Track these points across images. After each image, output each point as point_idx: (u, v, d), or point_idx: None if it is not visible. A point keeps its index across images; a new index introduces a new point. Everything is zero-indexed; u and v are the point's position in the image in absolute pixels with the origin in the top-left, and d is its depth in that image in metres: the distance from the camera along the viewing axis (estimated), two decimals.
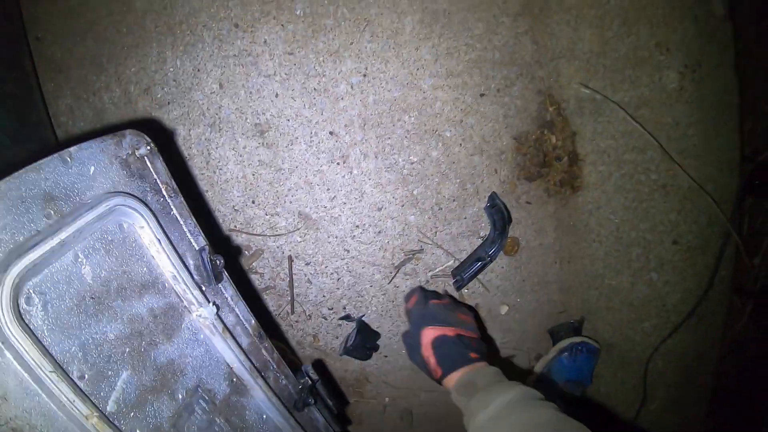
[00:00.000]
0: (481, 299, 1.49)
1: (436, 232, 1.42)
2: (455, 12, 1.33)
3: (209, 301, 0.84)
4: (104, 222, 0.70)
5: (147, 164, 0.78)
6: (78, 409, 0.61)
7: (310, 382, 1.11)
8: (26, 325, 0.58)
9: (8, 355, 0.56)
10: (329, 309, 1.48)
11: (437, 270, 1.44)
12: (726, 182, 1.43)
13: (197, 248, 0.84)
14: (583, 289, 1.50)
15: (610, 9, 1.32)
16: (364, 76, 1.34)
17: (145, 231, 0.75)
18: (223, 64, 1.34)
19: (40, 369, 0.58)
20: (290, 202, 1.39)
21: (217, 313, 0.85)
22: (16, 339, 0.56)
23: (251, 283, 1.46)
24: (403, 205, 1.39)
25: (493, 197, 1.37)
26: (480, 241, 1.43)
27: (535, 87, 1.38)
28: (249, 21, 1.32)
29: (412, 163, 1.37)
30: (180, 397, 0.80)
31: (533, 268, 1.48)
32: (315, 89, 1.34)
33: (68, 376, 0.62)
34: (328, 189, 1.38)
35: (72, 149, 0.67)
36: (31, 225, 0.60)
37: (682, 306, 1.49)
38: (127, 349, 0.72)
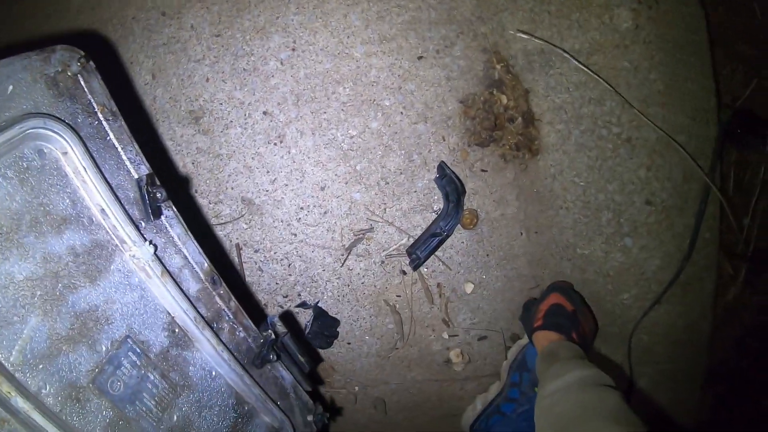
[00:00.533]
0: (442, 278, 1.40)
1: (385, 209, 1.34)
2: None
3: (146, 240, 0.75)
4: (19, 147, 0.63)
5: (80, 83, 0.70)
6: None
7: (273, 336, 1.00)
8: None
9: None
10: (284, 297, 1.41)
11: (391, 249, 1.37)
12: (701, 132, 1.31)
13: (135, 178, 0.76)
14: (554, 260, 1.41)
15: None
16: (293, 50, 1.29)
17: (69, 158, 0.67)
18: (153, 54, 1.32)
19: None
20: (232, 188, 1.34)
21: (155, 253, 0.76)
22: None
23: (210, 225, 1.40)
24: (347, 183, 1.33)
25: (442, 167, 1.30)
26: (434, 216, 1.35)
27: (479, 45, 1.29)
28: (175, 7, 1.31)
29: (351, 137, 1.31)
30: (103, 348, 0.71)
31: (497, 241, 1.39)
32: (245, 69, 1.30)
33: None
34: (268, 171, 1.33)
35: None
36: None
37: (663, 273, 1.38)
38: (39, 293, 0.65)
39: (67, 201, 0.68)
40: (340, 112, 1.29)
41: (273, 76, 1.29)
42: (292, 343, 1.06)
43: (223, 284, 0.90)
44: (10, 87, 0.62)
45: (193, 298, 0.83)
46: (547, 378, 1.02)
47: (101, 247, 0.71)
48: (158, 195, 0.76)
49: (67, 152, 0.66)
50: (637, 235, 1.35)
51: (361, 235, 1.36)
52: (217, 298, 0.88)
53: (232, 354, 0.89)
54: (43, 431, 0.62)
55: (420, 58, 1.27)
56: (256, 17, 1.27)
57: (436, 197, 1.35)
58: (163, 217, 0.80)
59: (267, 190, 1.34)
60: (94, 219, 0.71)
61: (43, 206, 0.65)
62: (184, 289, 0.81)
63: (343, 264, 1.37)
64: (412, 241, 1.36)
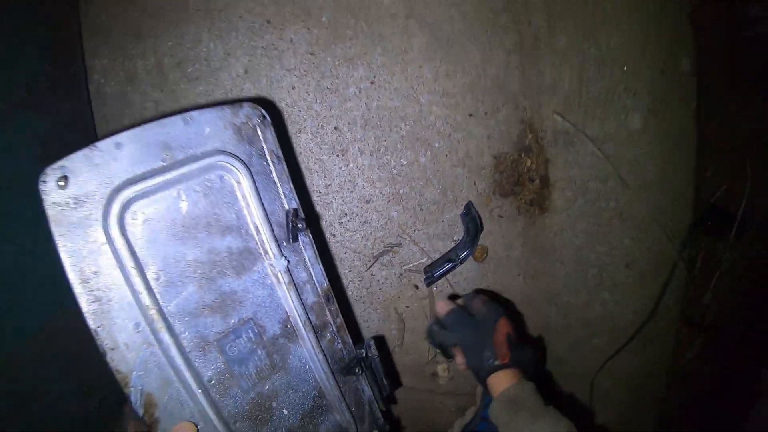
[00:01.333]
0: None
1: (414, 230, 1.61)
2: (458, 40, 1.56)
3: (283, 255, 0.98)
4: (208, 172, 0.89)
5: (258, 133, 0.95)
6: (143, 300, 0.83)
7: (363, 354, 1.17)
8: (125, 232, 0.82)
9: (108, 248, 0.80)
10: None
11: (411, 265, 1.62)
12: (679, 217, 1.62)
13: (285, 209, 0.99)
14: (542, 303, 1.69)
15: (590, 55, 1.54)
16: (372, 83, 1.54)
17: (241, 186, 0.92)
18: (251, 53, 1.53)
19: (127, 263, 0.81)
20: None
21: (287, 267, 0.98)
22: (115, 239, 0.80)
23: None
24: (388, 201, 1.59)
25: (469, 206, 1.57)
26: (453, 245, 1.61)
27: (519, 115, 1.59)
28: (280, 20, 1.52)
29: (402, 165, 1.57)
30: (232, 321, 0.95)
31: (498, 277, 1.66)
32: (327, 88, 1.54)
33: (144, 274, 0.83)
34: (325, 177, 1.57)
35: (194, 113, 0.87)
36: (148, 164, 0.83)
37: (631, 327, 1.67)
38: (199, 271, 0.90)
39: (233, 215, 0.93)
40: (397, 142, 1.56)
41: (350, 99, 1.54)
42: (379, 366, 1.22)
43: (335, 304, 1.09)
44: (207, 129, 0.89)
45: (308, 306, 1.03)
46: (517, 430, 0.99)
47: (250, 252, 0.95)
48: (299, 225, 0.99)
49: (240, 182, 0.92)
50: (615, 292, 1.64)
51: (389, 248, 1.62)
52: (327, 313, 1.08)
53: (326, 358, 1.07)
54: (173, 360, 0.87)
55: (471, 115, 1.56)
56: (348, 48, 1.52)
57: (458, 229, 1.62)
58: (300, 242, 1.02)
59: (320, 192, 1.58)
60: (249, 232, 0.95)
61: (216, 215, 0.91)
62: (303, 298, 1.02)
63: (368, 269, 1.62)
64: (430, 261, 1.61)
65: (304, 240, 1.02)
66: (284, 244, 0.99)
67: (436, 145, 1.57)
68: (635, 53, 1.52)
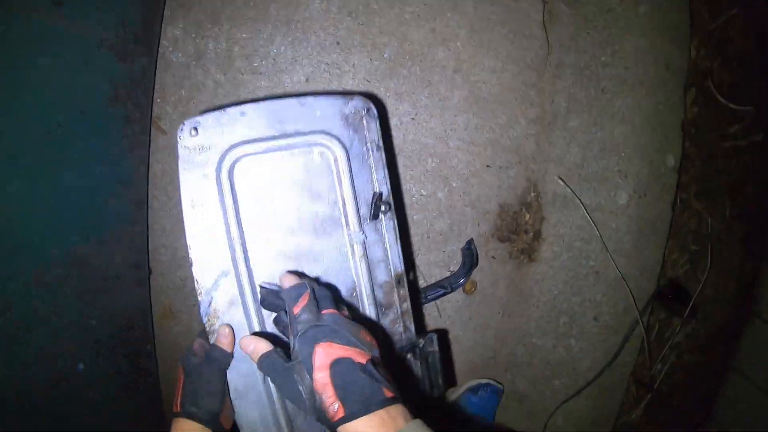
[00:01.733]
0: (432, 322, 1.88)
1: (418, 255, 1.84)
2: (492, 101, 1.83)
3: (362, 230, 1.06)
4: (311, 147, 1.03)
5: (363, 123, 1.06)
6: (232, 234, 0.98)
7: (421, 344, 1.16)
8: (231, 177, 0.98)
9: (215, 188, 0.97)
10: None
11: None
12: (644, 286, 1.89)
13: (373, 191, 1.07)
14: (513, 342, 1.92)
15: (596, 138, 1.84)
16: (413, 119, 1.78)
17: (337, 164, 1.04)
18: (316, 65, 1.72)
19: (227, 202, 0.98)
20: None
21: (364, 241, 1.06)
22: (222, 183, 0.97)
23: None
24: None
25: (470, 242, 1.82)
26: (448, 274, 1.85)
27: (526, 175, 1.86)
28: (348, 45, 1.73)
29: (421, 195, 1.81)
30: (300, 272, 1.03)
31: (481, 311, 1.89)
32: None
33: (238, 214, 0.98)
34: None
35: (309, 98, 1.01)
36: (262, 131, 0.99)
37: (589, 374, 1.92)
38: (284, 224, 1.02)
39: (325, 187, 1.05)
40: (422, 175, 1.80)
41: (391, 128, 1.78)
42: (437, 362, 1.19)
43: (406, 289, 1.12)
44: (318, 113, 1.03)
45: (377, 283, 1.09)
46: None
47: (333, 220, 1.06)
48: (382, 208, 1.07)
49: (337, 160, 1.05)
50: (580, 339, 1.90)
51: None
52: (395, 295, 1.11)
53: (385, 333, 1.11)
54: (243, 288, 0.99)
55: (488, 166, 1.83)
56: (399, 85, 1.76)
57: (455, 261, 1.85)
58: (383, 223, 1.08)
59: None
60: (337, 203, 1.06)
61: (309, 183, 1.04)
62: (374, 274, 1.08)
63: None
64: (425, 285, 1.84)
65: (388, 224, 1.09)
66: (367, 222, 1.07)
67: (454, 185, 1.82)
68: (632, 143, 1.82)
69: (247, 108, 0.98)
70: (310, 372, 0.77)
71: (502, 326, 1.92)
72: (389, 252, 1.10)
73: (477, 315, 1.90)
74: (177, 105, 1.71)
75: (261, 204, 1.01)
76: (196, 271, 0.96)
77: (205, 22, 1.67)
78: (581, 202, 1.82)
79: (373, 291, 1.08)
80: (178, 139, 0.95)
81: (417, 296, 1.72)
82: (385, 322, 1.12)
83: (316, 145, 1.04)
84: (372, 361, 0.78)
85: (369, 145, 1.07)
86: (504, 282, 1.88)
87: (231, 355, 0.96)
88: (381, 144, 1.08)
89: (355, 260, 1.07)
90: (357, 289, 1.09)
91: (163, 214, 1.73)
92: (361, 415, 0.71)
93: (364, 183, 1.07)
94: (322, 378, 0.75)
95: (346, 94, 1.06)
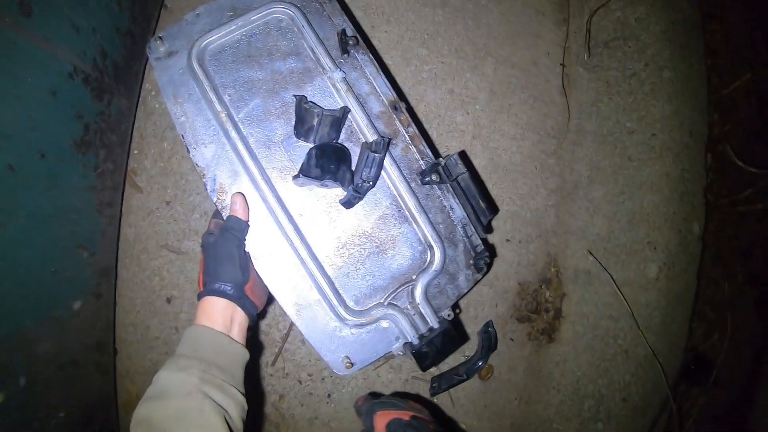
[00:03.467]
0: (445, 411, 1.58)
1: None
2: (511, 171, 1.56)
3: (338, 68, 1.02)
4: (266, 17, 1.03)
5: None
6: (217, 108, 0.96)
7: (443, 161, 1.02)
8: (203, 64, 0.99)
9: (190, 77, 0.99)
10: (308, 375, 1.48)
11: (419, 372, 1.53)
12: (672, 362, 1.63)
13: (336, 32, 1.05)
14: (531, 430, 1.63)
15: (623, 208, 1.57)
16: None
17: (295, 22, 1.04)
18: None
19: (205, 84, 0.97)
20: None
21: (344, 78, 1.02)
22: (197, 71, 0.97)
23: None
24: None
25: (488, 324, 1.51)
26: (463, 360, 1.53)
27: (547, 250, 1.60)
28: None
29: None
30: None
31: (497, 399, 1.60)
32: None
33: (217, 91, 0.98)
34: None
35: None
36: (218, 20, 1.02)
37: None
38: (264, 87, 1.01)
39: (292, 45, 1.04)
40: None
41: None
42: (471, 184, 1.02)
43: (405, 113, 1.05)
44: None
45: (373, 115, 1.03)
46: None
47: (309, 71, 1.03)
48: (350, 42, 1.02)
49: (293, 19, 1.03)
50: (608, 424, 1.63)
51: (403, 351, 1.53)
52: (397, 122, 1.04)
53: (398, 165, 1.01)
54: (241, 156, 0.95)
55: (507, 240, 1.55)
56: None
57: (471, 346, 1.56)
58: (359, 59, 1.05)
59: None
60: (307, 55, 1.04)
61: (276, 46, 1.03)
62: (367, 107, 1.03)
63: (376, 368, 1.52)
64: (438, 372, 1.53)
65: (363, 58, 1.05)
66: (341, 61, 1.04)
67: None
68: (662, 213, 1.55)
69: (201, 8, 1.04)
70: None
71: (519, 414, 1.63)
72: (374, 83, 1.05)
73: (493, 404, 1.61)
74: (157, 159, 1.44)
75: (236, 77, 1.01)
76: (194, 156, 0.97)
77: None
78: (611, 277, 1.51)
79: (372, 123, 1.01)
80: (149, 54, 1.01)
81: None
82: (396, 152, 1.03)
83: (272, 14, 1.04)
84: (414, 417, 0.90)
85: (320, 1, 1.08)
86: (522, 366, 1.62)
87: (247, 223, 0.93)
88: None
89: (343, 97, 1.02)
90: (355, 126, 1.03)
91: (133, 287, 1.42)
92: None
93: (327, 31, 1.06)
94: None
95: None
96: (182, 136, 0.97)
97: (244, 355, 0.87)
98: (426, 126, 1.53)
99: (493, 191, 1.54)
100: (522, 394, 1.60)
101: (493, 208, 1.42)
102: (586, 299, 1.60)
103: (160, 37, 1.00)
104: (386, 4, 1.58)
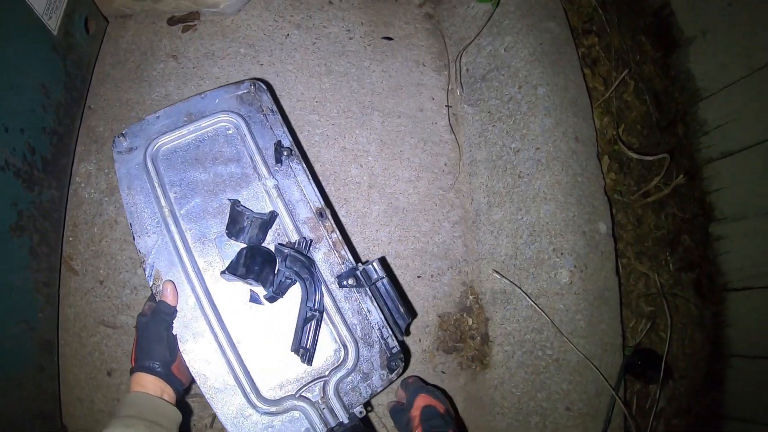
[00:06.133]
0: None
1: None
2: (411, 211, 1.57)
3: (272, 176, 1.11)
4: (215, 125, 1.15)
5: (255, 96, 1.19)
6: (162, 204, 1.06)
7: (361, 267, 1.06)
8: (156, 162, 1.11)
9: (143, 172, 1.09)
10: None
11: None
12: (610, 360, 1.56)
13: (273, 142, 1.15)
14: None
15: (523, 224, 1.55)
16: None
17: (240, 131, 1.15)
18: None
19: (155, 182, 1.08)
20: None
21: (276, 185, 1.10)
22: (149, 167, 1.09)
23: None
24: None
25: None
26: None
27: (461, 279, 1.57)
28: None
29: None
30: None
31: None
32: None
33: (165, 188, 1.09)
34: None
35: (208, 92, 1.18)
36: (175, 123, 1.14)
37: None
38: (205, 188, 1.11)
39: (234, 151, 1.15)
40: None
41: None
42: (389, 288, 1.07)
43: (330, 220, 1.11)
44: (217, 100, 1.18)
45: (300, 221, 1.10)
46: None
47: (246, 176, 1.13)
48: (284, 152, 1.12)
49: (239, 128, 1.15)
50: None
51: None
52: (322, 228, 1.10)
53: (317, 268, 1.07)
54: (178, 249, 1.03)
55: (419, 277, 1.54)
56: None
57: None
58: (292, 167, 1.13)
59: None
60: (246, 162, 1.14)
61: (221, 152, 1.14)
62: (294, 214, 1.10)
63: None
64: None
65: (296, 167, 1.13)
66: (276, 169, 1.13)
67: None
68: (561, 219, 1.51)
69: (161, 112, 1.15)
70: (410, 409, 1.09)
71: None
72: (304, 191, 1.12)
73: None
74: (89, 244, 1.51)
75: (183, 177, 1.10)
76: (138, 243, 1.04)
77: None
78: (523, 292, 1.48)
79: (297, 228, 1.09)
80: (113, 148, 1.12)
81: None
82: (319, 256, 1.09)
83: (220, 122, 1.15)
84: (447, 411, 1.07)
85: (265, 111, 1.18)
86: (461, 396, 1.56)
87: (175, 309, 0.99)
88: (274, 108, 1.19)
89: (273, 202, 1.10)
90: (282, 229, 1.10)
91: (76, 363, 1.45)
92: None
93: (267, 140, 1.15)
94: (414, 413, 1.07)
95: (238, 81, 1.20)
96: (131, 224, 1.05)
97: (179, 416, 0.93)
98: (323, 182, 1.57)
99: (396, 233, 1.55)
100: (468, 424, 1.54)
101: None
102: (508, 318, 1.55)
103: (123, 134, 1.11)
104: (277, 81, 1.66)
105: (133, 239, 1.04)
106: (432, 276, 1.55)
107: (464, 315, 1.55)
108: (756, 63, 1.76)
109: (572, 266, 1.53)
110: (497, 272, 1.54)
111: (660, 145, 1.86)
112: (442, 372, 1.53)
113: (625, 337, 1.60)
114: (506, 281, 1.54)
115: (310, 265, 1.04)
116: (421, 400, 1.10)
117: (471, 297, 1.56)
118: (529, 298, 1.52)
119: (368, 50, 1.73)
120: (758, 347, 1.79)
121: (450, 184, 1.62)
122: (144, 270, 1.02)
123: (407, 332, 1.52)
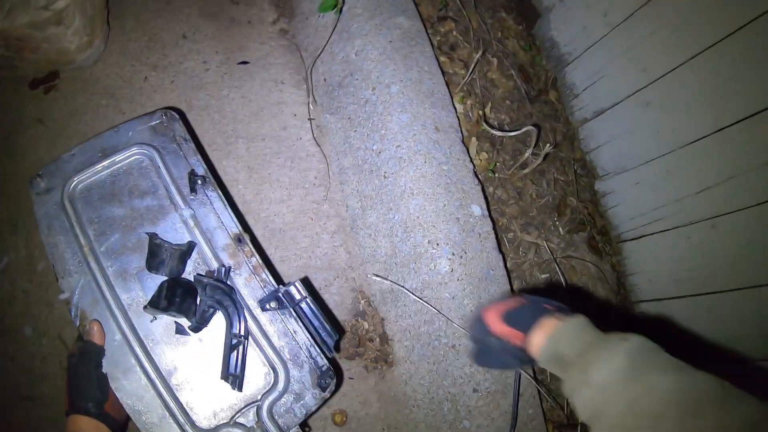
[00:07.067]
0: None
1: None
2: (288, 230, 1.56)
3: (188, 206, 1.11)
4: (129, 158, 1.15)
5: (168, 126, 1.20)
6: (82, 242, 1.06)
7: (282, 290, 1.06)
8: (73, 201, 1.11)
9: (61, 211, 1.09)
10: None
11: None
12: None
13: (187, 171, 1.15)
14: None
15: (395, 222, 1.55)
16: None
17: (154, 163, 1.15)
18: None
19: (73, 218, 1.08)
20: None
21: (193, 215, 1.11)
22: (67, 206, 1.09)
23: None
24: None
25: None
26: None
27: (350, 285, 1.57)
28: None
29: None
30: None
31: None
32: None
33: (83, 225, 1.09)
34: None
35: (120, 125, 1.18)
36: (90, 160, 1.14)
37: None
38: (123, 223, 1.11)
39: (150, 183, 1.15)
40: None
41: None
42: (313, 307, 1.07)
43: (249, 245, 1.11)
44: (131, 133, 1.18)
45: (219, 248, 1.10)
46: (575, 392, 0.66)
47: (163, 208, 1.13)
48: (198, 181, 1.13)
49: (153, 160, 1.16)
50: (472, 417, 1.53)
51: None
52: (241, 254, 1.11)
53: (239, 293, 1.08)
54: (101, 286, 1.03)
55: None
56: None
57: None
58: (208, 195, 1.14)
59: None
60: (162, 193, 1.14)
61: (137, 185, 1.15)
62: (213, 241, 1.11)
63: None
64: None
65: (212, 195, 1.13)
66: (191, 198, 1.13)
67: None
68: (431, 210, 1.51)
69: (75, 149, 1.15)
70: (488, 331, 0.84)
71: None
72: (221, 218, 1.12)
73: None
74: None
75: (101, 213, 1.11)
76: (62, 284, 1.04)
77: (3, 233, 1.55)
78: (405, 288, 1.48)
79: (217, 255, 1.09)
80: (31, 189, 1.11)
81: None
82: (240, 281, 1.09)
83: (134, 155, 1.15)
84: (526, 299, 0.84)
85: (178, 140, 1.18)
86: (374, 397, 1.56)
87: (103, 348, 0.99)
88: (187, 137, 1.19)
89: (191, 232, 1.10)
90: (202, 257, 1.09)
91: None
92: (532, 329, 0.75)
93: (181, 170, 1.14)
94: (496, 327, 0.82)
95: (150, 112, 1.20)
96: (53, 265, 1.05)
97: None
98: None
99: (276, 254, 1.54)
100: (387, 422, 1.54)
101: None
102: (401, 315, 1.55)
103: (40, 175, 1.11)
104: None
105: (56, 280, 1.04)
106: (320, 288, 1.54)
107: (359, 320, 1.55)
108: (614, 20, 1.77)
109: (450, 254, 1.52)
110: (377, 275, 1.54)
111: (532, 115, 1.87)
112: (350, 378, 1.53)
113: None
114: (388, 282, 1.55)
115: (230, 292, 1.04)
116: (491, 314, 0.85)
117: (362, 301, 1.56)
118: (413, 293, 1.52)
119: (225, 79, 1.72)
120: (662, 289, 1.81)
121: (323, 196, 1.61)
122: (70, 311, 1.01)
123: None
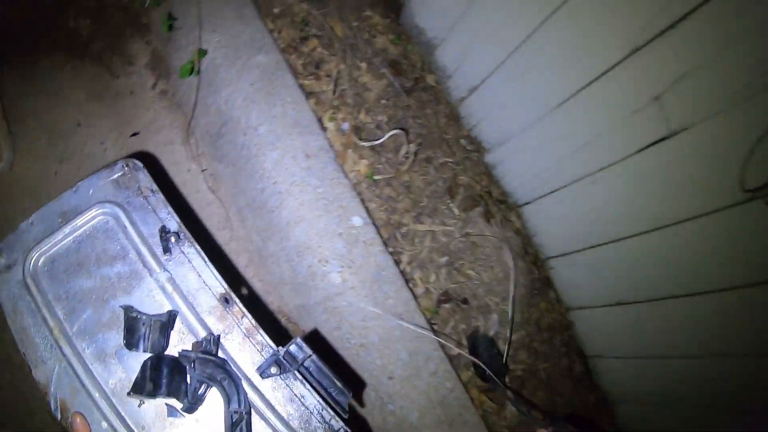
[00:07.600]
0: None
1: None
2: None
3: (164, 269, 1.00)
4: (92, 220, 1.05)
5: (132, 177, 1.07)
6: (51, 325, 0.97)
7: (283, 352, 0.95)
8: (36, 277, 1.00)
9: (25, 291, 0.99)
10: None
11: None
12: (417, 319, 1.69)
13: (158, 228, 1.03)
14: None
15: (289, 249, 1.73)
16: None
17: (120, 222, 1.04)
18: None
19: (38, 299, 0.98)
20: None
21: (170, 278, 0.99)
22: (30, 284, 0.99)
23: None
24: None
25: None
26: None
27: (272, 308, 1.73)
28: None
29: None
30: None
31: None
32: None
33: (51, 306, 0.98)
34: None
35: (80, 183, 1.07)
36: (50, 227, 1.03)
37: (425, 418, 1.70)
38: (94, 296, 0.99)
39: (118, 247, 1.03)
40: None
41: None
42: (321, 365, 0.96)
43: (238, 304, 0.99)
44: (91, 191, 1.07)
45: (204, 312, 0.99)
46: None
47: (136, 273, 1.01)
48: (171, 239, 1.01)
49: (118, 219, 1.05)
50: (393, 401, 1.71)
51: None
52: (230, 316, 0.99)
53: (235, 363, 0.96)
54: (78, 372, 0.94)
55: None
56: None
57: None
58: (184, 253, 1.02)
59: None
60: (132, 257, 1.03)
61: (104, 250, 1.03)
62: (196, 305, 0.99)
63: None
64: None
65: (189, 251, 1.02)
66: (166, 259, 1.00)
67: None
68: (303, 232, 1.68)
69: (33, 217, 1.04)
70: None
71: None
72: (203, 277, 1.00)
73: None
74: None
75: (68, 288, 1.00)
76: (36, 374, 0.93)
77: None
78: (303, 304, 1.66)
79: (203, 322, 0.97)
80: None
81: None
82: (234, 347, 0.97)
83: (97, 216, 1.04)
84: None
85: (144, 192, 1.05)
86: None
87: None
88: (155, 188, 1.06)
89: (170, 298, 0.99)
90: (186, 326, 0.98)
91: None
92: None
93: (152, 227, 1.02)
94: None
95: (110, 164, 1.07)
96: (23, 353, 0.94)
97: None
98: None
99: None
100: None
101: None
102: (315, 325, 1.74)
103: (1, 249, 1.01)
104: None
105: (29, 370, 0.94)
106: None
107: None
108: None
109: (339, 268, 1.68)
110: (279, 311, 1.72)
111: (410, 107, 1.94)
112: None
113: (418, 297, 1.76)
114: (305, 297, 1.73)
115: (222, 364, 0.93)
116: None
117: (283, 319, 1.75)
118: (316, 304, 1.70)
119: (122, 153, 1.90)
120: (564, 245, 1.90)
121: (228, 237, 1.79)
122: (48, 404, 0.92)
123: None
